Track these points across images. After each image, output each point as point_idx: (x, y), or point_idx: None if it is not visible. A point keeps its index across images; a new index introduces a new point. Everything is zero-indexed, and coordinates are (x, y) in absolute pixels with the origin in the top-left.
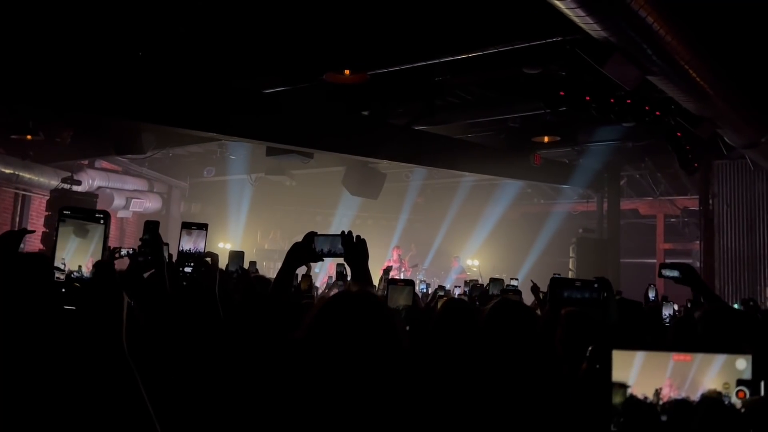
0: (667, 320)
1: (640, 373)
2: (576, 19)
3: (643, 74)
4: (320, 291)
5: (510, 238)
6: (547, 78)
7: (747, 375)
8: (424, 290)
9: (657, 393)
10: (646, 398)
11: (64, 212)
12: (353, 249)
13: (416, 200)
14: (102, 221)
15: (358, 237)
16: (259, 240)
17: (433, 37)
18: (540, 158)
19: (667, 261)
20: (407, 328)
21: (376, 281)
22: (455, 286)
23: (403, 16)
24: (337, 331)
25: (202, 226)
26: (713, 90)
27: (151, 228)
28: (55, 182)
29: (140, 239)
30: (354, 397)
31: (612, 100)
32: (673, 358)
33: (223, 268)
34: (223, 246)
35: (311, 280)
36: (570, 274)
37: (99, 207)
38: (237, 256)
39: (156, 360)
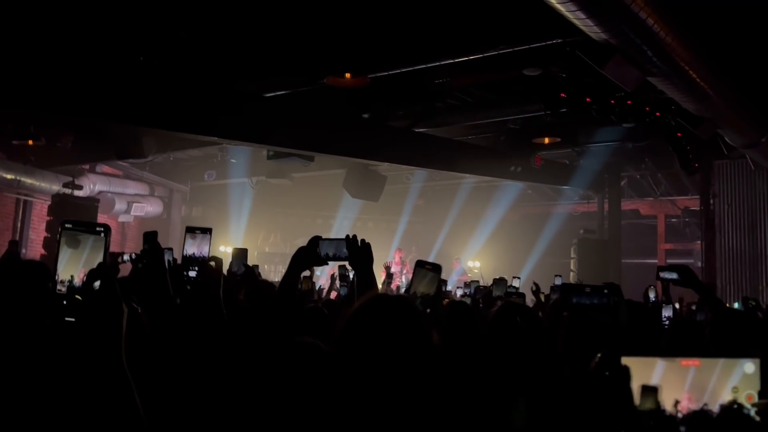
0: (666, 322)
1: (662, 380)
2: (576, 22)
3: (644, 75)
4: (323, 293)
5: (511, 239)
6: (548, 80)
7: (756, 378)
8: None
9: (676, 404)
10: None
11: (66, 225)
12: (358, 253)
13: (417, 202)
14: (103, 234)
15: (362, 241)
16: (260, 243)
17: (433, 40)
18: (540, 159)
19: (665, 263)
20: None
21: (378, 282)
22: (457, 288)
23: (403, 20)
24: (373, 342)
25: (206, 231)
26: (713, 90)
27: (150, 238)
28: (56, 187)
29: (141, 251)
30: (392, 408)
31: (612, 102)
32: (682, 363)
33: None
34: (224, 249)
35: (312, 282)
36: (571, 275)
37: (100, 211)
38: (241, 253)
39: (161, 365)
